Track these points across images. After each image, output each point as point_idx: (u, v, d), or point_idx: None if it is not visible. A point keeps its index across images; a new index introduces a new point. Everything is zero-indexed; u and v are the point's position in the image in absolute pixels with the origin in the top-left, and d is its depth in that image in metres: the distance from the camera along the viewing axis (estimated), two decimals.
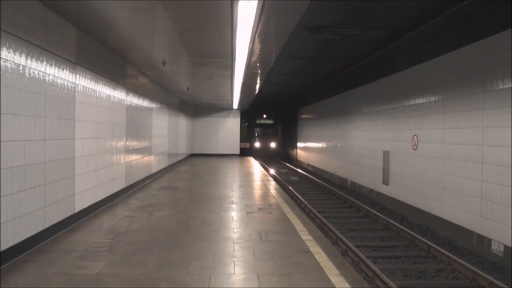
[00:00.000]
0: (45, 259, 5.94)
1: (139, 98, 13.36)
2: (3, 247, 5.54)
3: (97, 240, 7.01)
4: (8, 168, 5.59)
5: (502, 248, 8.08)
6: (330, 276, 5.40)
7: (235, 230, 7.85)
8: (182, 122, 24.80)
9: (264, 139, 41.18)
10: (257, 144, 40.79)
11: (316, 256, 6.24)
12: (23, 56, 5.99)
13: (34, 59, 6.30)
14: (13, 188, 5.73)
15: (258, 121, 42.10)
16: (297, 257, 6.21)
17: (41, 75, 6.55)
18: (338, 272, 5.55)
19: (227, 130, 31.44)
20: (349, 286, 5.07)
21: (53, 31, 6.96)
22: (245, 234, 7.51)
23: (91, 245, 6.70)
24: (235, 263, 5.91)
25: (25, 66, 6.05)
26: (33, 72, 6.29)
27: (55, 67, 7.04)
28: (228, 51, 10.20)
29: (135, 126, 12.80)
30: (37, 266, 5.66)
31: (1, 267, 5.49)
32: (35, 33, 6.35)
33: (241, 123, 32.69)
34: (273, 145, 41.20)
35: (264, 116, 42.26)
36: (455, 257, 8.21)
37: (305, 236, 7.44)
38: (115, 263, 5.81)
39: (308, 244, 6.89)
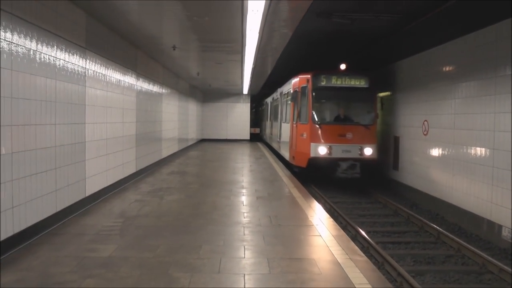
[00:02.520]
0: (57, 242, 6.00)
1: (149, 83, 13.36)
2: (16, 230, 5.60)
3: (108, 223, 7.06)
4: (20, 151, 5.63)
5: None
6: (339, 260, 5.40)
7: (245, 214, 7.87)
8: (192, 107, 24.80)
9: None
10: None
11: (325, 240, 6.25)
12: (34, 41, 6.00)
13: (44, 43, 6.31)
14: (25, 171, 5.77)
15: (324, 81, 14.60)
16: (307, 241, 6.22)
17: (52, 60, 6.56)
18: (348, 257, 5.55)
19: (237, 115, 31.43)
20: (358, 271, 5.08)
21: (62, 16, 6.95)
22: (255, 219, 7.53)
23: (102, 228, 6.75)
24: (245, 247, 5.94)
25: (36, 50, 6.05)
26: (44, 57, 6.30)
27: (65, 52, 7.04)
28: (238, 36, 10.14)
29: (145, 111, 12.82)
30: (49, 249, 5.72)
31: (14, 250, 5.55)
32: (45, 18, 6.35)
33: (251, 108, 32.57)
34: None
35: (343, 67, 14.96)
36: (465, 243, 8.19)
37: (315, 220, 7.45)
38: (126, 247, 5.85)
39: (318, 229, 6.90)
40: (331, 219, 7.64)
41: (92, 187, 8.37)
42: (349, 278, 4.83)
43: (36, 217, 6.14)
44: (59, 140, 6.82)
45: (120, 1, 7.35)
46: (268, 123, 28.65)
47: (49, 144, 6.47)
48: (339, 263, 5.32)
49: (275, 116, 23.31)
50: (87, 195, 8.11)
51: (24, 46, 5.75)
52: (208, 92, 29.89)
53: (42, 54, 6.24)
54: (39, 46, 6.15)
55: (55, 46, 6.68)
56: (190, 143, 24.21)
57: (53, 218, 6.71)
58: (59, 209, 6.90)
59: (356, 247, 6.04)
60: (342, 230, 6.93)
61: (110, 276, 4.77)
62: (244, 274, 4.93)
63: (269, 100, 28.44)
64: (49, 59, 6.46)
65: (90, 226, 6.90)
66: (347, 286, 4.63)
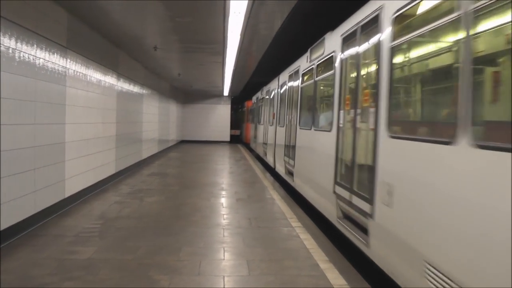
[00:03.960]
0: (36, 244, 5.95)
1: (130, 84, 13.30)
2: None
3: (88, 225, 7.02)
4: None
5: None
6: (319, 262, 5.46)
7: (225, 216, 7.89)
8: (173, 109, 24.72)
9: None
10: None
11: (305, 243, 6.31)
12: (13, 39, 5.95)
13: (24, 42, 6.26)
14: (3, 172, 5.71)
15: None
16: (286, 243, 6.27)
17: (32, 59, 6.51)
18: (327, 259, 5.62)
19: (218, 117, 31.41)
20: (337, 272, 5.14)
21: (43, 14, 6.90)
22: (234, 221, 7.56)
23: (82, 230, 6.71)
24: (225, 249, 5.96)
25: (15, 49, 6.00)
26: (23, 56, 6.24)
27: (45, 51, 6.99)
28: (220, 38, 10.17)
29: (125, 111, 12.76)
30: (28, 250, 5.67)
31: None
32: (26, 16, 6.30)
33: (231, 110, 32.58)
34: None
35: None
36: None
37: (295, 223, 7.50)
38: (106, 249, 5.83)
39: (297, 231, 6.95)
40: (312, 222, 7.70)
41: (72, 188, 8.31)
42: (328, 280, 4.89)
43: (14, 218, 6.08)
44: (38, 141, 6.76)
45: (102, 0, 7.32)
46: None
47: (28, 144, 6.42)
48: (318, 265, 5.38)
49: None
50: (66, 196, 8.05)
51: (3, 44, 5.69)
52: (189, 93, 29.81)
53: (22, 52, 6.19)
54: (19, 44, 6.10)
55: (35, 45, 6.63)
56: (170, 144, 24.12)
57: (33, 219, 6.66)
58: (38, 210, 6.84)
59: (337, 249, 6.10)
60: (322, 232, 6.99)
61: (90, 279, 4.75)
62: (224, 276, 4.95)
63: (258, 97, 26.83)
64: (29, 58, 6.40)
65: (70, 227, 6.85)
66: (326, 286, 4.69)
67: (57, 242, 6.05)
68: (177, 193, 10.13)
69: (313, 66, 8.80)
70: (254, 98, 24.40)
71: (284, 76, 13.22)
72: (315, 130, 8.35)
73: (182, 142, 29.97)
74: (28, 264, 5.17)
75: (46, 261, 5.26)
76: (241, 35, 9.76)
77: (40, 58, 6.78)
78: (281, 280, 4.85)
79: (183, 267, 5.19)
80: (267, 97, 17.34)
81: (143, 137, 15.75)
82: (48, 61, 7.11)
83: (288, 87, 12.27)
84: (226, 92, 27.36)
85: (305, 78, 9.83)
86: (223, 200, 9.39)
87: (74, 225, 7.01)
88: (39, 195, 6.85)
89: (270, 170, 15.56)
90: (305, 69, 9.69)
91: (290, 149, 11.21)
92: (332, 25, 7.68)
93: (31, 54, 6.47)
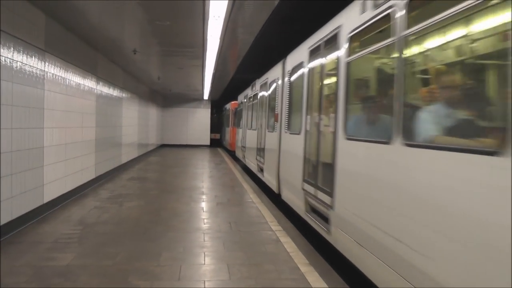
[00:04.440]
0: (12, 251, 5.85)
1: (109, 87, 13.19)
2: None
3: (67, 231, 6.93)
4: None
5: None
6: (299, 265, 5.48)
7: (205, 221, 7.86)
8: (152, 112, 24.59)
9: None
10: None
11: (286, 246, 6.32)
12: None
13: (0, 45, 6.16)
14: None
15: None
16: (267, 247, 6.27)
17: (8, 62, 6.41)
18: (307, 262, 5.63)
19: (198, 121, 31.33)
20: (317, 275, 5.16)
21: (20, 16, 6.81)
22: (215, 225, 7.54)
23: (60, 236, 6.62)
24: (205, 253, 5.94)
25: None
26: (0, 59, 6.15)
27: (22, 53, 6.90)
28: (200, 42, 10.15)
29: (105, 115, 12.64)
30: (3, 258, 5.56)
31: None
32: (2, 18, 6.20)
33: (211, 114, 32.53)
34: None
35: None
36: None
37: (275, 226, 7.51)
38: (84, 255, 5.76)
39: (277, 234, 6.96)
40: (292, 225, 7.72)
41: (50, 194, 8.19)
42: (309, 282, 4.91)
43: None
44: (15, 145, 6.66)
45: (80, 1, 7.25)
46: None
47: (4, 149, 6.31)
48: (298, 268, 5.39)
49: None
50: (45, 201, 7.94)
51: None
52: (168, 97, 29.68)
53: None
54: None
55: (12, 48, 6.53)
56: (150, 148, 23.97)
57: (9, 226, 6.54)
58: (15, 216, 6.73)
59: (317, 253, 6.13)
60: (303, 237, 7.01)
61: (68, 285, 4.69)
62: (205, 281, 4.93)
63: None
64: (5, 61, 6.31)
65: (48, 234, 6.75)
66: None
67: (34, 249, 5.96)
68: (157, 198, 10.06)
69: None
70: (241, 98, 19.39)
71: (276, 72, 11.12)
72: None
73: (162, 146, 29.81)
74: (4, 272, 5.07)
75: (23, 269, 5.17)
76: (220, 39, 9.76)
77: (17, 61, 6.68)
78: (261, 284, 4.85)
79: (163, 273, 5.15)
80: (263, 93, 13.05)
81: (122, 141, 15.62)
82: (26, 64, 7.01)
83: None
84: (206, 95, 27.30)
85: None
86: (203, 204, 9.36)
87: (52, 231, 6.91)
88: (16, 201, 6.74)
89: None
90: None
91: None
92: (309, 31, 7.73)
93: (7, 57, 6.37)
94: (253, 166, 14.53)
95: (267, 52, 16.69)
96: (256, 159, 13.47)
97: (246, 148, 16.59)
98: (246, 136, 16.75)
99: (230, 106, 27.15)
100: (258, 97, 13.64)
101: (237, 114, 21.64)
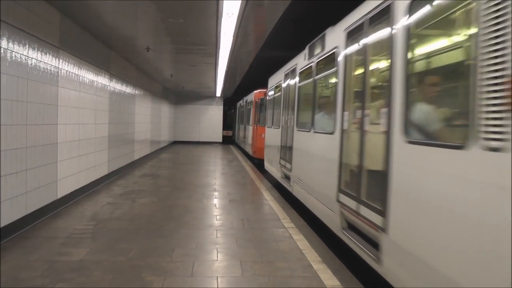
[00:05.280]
0: (27, 246, 5.90)
1: (122, 85, 13.25)
2: None
3: (80, 226, 6.98)
4: None
5: None
6: (312, 263, 5.46)
7: (217, 217, 7.87)
8: (165, 110, 24.67)
9: None
10: None
11: (298, 243, 6.31)
12: (4, 39, 5.90)
13: (16, 42, 6.21)
14: None
15: None
16: (279, 244, 6.26)
17: (23, 59, 6.46)
18: (320, 259, 5.62)
19: (210, 118, 31.41)
20: (331, 273, 5.14)
21: (36, 15, 6.86)
22: (227, 222, 7.54)
23: (73, 231, 6.67)
24: (218, 250, 5.95)
25: (6, 49, 5.96)
26: (15, 56, 6.20)
27: (37, 51, 6.95)
28: (213, 39, 10.16)
29: (118, 112, 12.71)
30: (18, 252, 5.62)
31: None
32: (18, 16, 6.25)
33: (224, 111, 32.55)
34: None
35: None
36: None
37: (288, 223, 7.50)
38: (97, 250, 5.79)
39: (290, 232, 6.95)
40: (305, 222, 7.70)
41: (63, 189, 8.26)
42: (322, 280, 4.89)
43: (5, 220, 6.03)
44: (30, 141, 6.71)
45: (95, 1, 7.29)
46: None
47: (20, 145, 6.37)
48: (311, 265, 5.38)
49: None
50: (58, 197, 8.00)
51: None
52: (181, 95, 29.77)
53: (14, 52, 6.15)
54: (10, 44, 6.06)
55: (27, 45, 6.58)
56: (162, 145, 24.06)
57: (23, 221, 6.60)
58: (29, 211, 6.79)
59: (330, 251, 6.10)
60: (315, 233, 6.99)
61: (82, 280, 4.71)
62: (217, 277, 4.94)
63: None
64: (20, 58, 6.36)
65: (62, 229, 6.80)
66: (320, 287, 4.69)
67: (48, 244, 6.01)
68: (170, 195, 10.09)
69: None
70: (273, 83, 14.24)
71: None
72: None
73: (174, 143, 29.91)
74: (18, 266, 5.12)
75: (37, 263, 5.21)
76: (233, 36, 9.75)
77: (32, 58, 6.74)
78: (274, 281, 4.84)
79: (176, 268, 5.17)
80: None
81: (135, 138, 15.69)
82: (41, 61, 7.06)
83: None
84: (218, 93, 27.33)
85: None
86: (215, 201, 9.37)
87: (66, 226, 6.96)
88: (30, 196, 6.80)
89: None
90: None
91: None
92: (322, 29, 7.68)
93: (23, 54, 6.42)
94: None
95: (281, 49, 16.68)
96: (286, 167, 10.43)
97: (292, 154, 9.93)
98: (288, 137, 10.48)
99: (252, 97, 21.11)
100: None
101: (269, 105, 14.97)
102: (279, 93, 12.17)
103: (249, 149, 21.49)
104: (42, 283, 4.59)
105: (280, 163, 11.31)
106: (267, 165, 14.00)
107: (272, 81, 13.72)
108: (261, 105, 18.54)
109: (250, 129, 21.46)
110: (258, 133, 18.23)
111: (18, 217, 6.44)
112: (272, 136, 12.85)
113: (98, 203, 8.83)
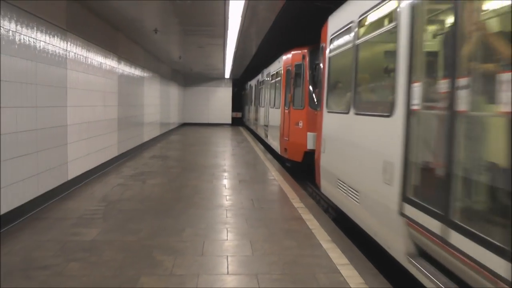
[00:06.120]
0: (39, 226, 5.97)
1: (130, 67, 13.24)
2: None
3: (91, 207, 7.04)
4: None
5: None
6: (321, 242, 5.48)
7: (227, 197, 7.91)
8: (174, 91, 24.66)
9: None
10: None
11: (308, 223, 6.33)
12: (13, 22, 5.90)
13: (24, 25, 6.21)
14: (5, 155, 5.71)
15: None
16: (289, 224, 6.29)
17: (32, 42, 6.47)
18: (330, 239, 5.64)
19: (219, 99, 31.39)
20: (340, 252, 5.16)
21: None
22: (237, 202, 7.57)
23: (84, 212, 6.73)
24: (228, 230, 5.98)
25: (15, 32, 5.96)
26: (23, 39, 6.20)
27: (45, 33, 6.94)
28: (221, 20, 10.09)
29: (126, 94, 12.72)
30: (31, 233, 5.69)
31: None
32: None
33: (233, 92, 32.45)
34: None
35: None
36: None
37: (297, 203, 7.52)
38: (109, 230, 5.85)
39: (300, 212, 6.97)
40: (314, 202, 7.71)
41: (74, 171, 8.32)
42: (331, 259, 4.91)
43: (17, 201, 6.10)
44: (40, 123, 6.75)
45: None
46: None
47: (30, 127, 6.41)
48: (320, 245, 5.40)
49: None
50: (69, 178, 8.06)
51: (3, 27, 5.65)
52: (189, 76, 29.72)
53: (22, 35, 6.15)
54: (19, 27, 6.06)
55: (35, 28, 6.58)
56: (171, 127, 24.11)
57: (35, 202, 6.67)
58: (41, 193, 6.86)
59: (339, 229, 6.12)
60: (324, 213, 7.01)
61: (94, 260, 4.77)
62: (227, 256, 4.98)
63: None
64: (29, 40, 6.36)
65: (73, 210, 6.87)
66: (330, 266, 4.71)
67: (60, 224, 6.07)
68: (179, 176, 10.14)
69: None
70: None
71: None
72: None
73: (184, 125, 29.96)
74: (31, 246, 5.19)
75: (49, 244, 5.28)
76: (242, 17, 9.68)
77: (40, 41, 6.74)
78: (284, 260, 4.87)
79: (187, 248, 5.21)
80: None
81: (144, 120, 15.73)
82: (49, 43, 7.06)
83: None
84: (227, 74, 27.26)
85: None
86: (225, 182, 9.40)
87: (77, 207, 7.03)
88: (42, 177, 6.86)
89: None
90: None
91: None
92: (331, 8, 7.50)
93: (31, 37, 6.42)
94: None
95: (289, 30, 16.55)
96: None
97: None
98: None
99: (280, 65, 14.10)
100: None
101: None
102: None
103: (275, 145, 14.67)
104: (55, 262, 4.65)
105: None
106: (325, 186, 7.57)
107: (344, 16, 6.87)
108: (300, 75, 12.15)
109: (275, 113, 14.78)
110: (292, 121, 12.13)
111: (30, 198, 6.50)
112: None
113: (108, 184, 8.90)
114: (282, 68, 13.68)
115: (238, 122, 34.41)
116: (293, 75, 12.28)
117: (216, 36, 12.58)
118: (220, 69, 23.81)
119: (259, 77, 21.27)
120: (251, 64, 23.57)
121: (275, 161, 12.92)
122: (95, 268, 4.54)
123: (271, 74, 16.60)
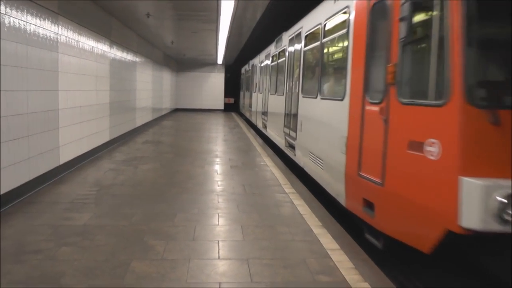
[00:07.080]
0: (31, 211, 5.97)
1: (123, 52, 13.16)
2: None
3: (83, 192, 7.04)
4: None
5: None
6: (312, 228, 5.53)
7: (219, 183, 7.93)
8: (166, 77, 24.56)
9: None
10: None
11: (299, 208, 6.37)
12: (2, 4, 5.84)
13: (14, 7, 6.15)
14: None
15: None
16: (280, 209, 6.32)
17: (22, 25, 6.41)
18: (321, 224, 5.68)
19: (211, 85, 31.32)
20: (331, 237, 5.21)
21: None
22: (229, 187, 7.60)
23: (76, 197, 6.73)
24: (220, 215, 6.01)
25: (5, 14, 5.90)
26: (13, 21, 6.14)
27: (36, 16, 6.88)
28: (214, 5, 10.03)
29: (119, 79, 12.66)
30: (23, 217, 5.69)
31: None
32: None
33: (225, 78, 32.35)
34: None
35: None
36: None
37: (288, 189, 7.56)
38: (101, 215, 5.86)
39: (291, 197, 7.01)
40: (305, 188, 7.76)
41: (66, 156, 8.30)
42: (322, 244, 4.96)
43: (8, 185, 6.08)
44: (31, 107, 6.71)
45: None
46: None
47: (21, 111, 6.37)
48: (311, 230, 5.44)
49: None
50: (61, 163, 8.05)
51: None
52: (182, 62, 29.58)
53: (12, 18, 6.09)
54: (8, 9, 6.00)
55: (26, 11, 6.52)
56: (164, 112, 24.05)
57: (27, 187, 6.66)
58: (32, 177, 6.84)
59: (330, 215, 6.17)
60: (316, 200, 7.05)
61: (86, 244, 4.79)
62: (219, 241, 5.01)
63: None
64: (19, 23, 6.30)
65: (65, 194, 6.87)
66: (320, 251, 4.75)
67: (51, 209, 6.08)
68: (172, 161, 10.14)
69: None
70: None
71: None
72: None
73: (176, 110, 29.88)
74: (23, 231, 5.19)
75: (41, 228, 5.28)
76: (235, 2, 9.63)
77: (31, 24, 6.67)
78: (275, 245, 4.90)
79: (178, 233, 5.24)
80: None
81: (136, 105, 15.68)
82: (40, 27, 7.00)
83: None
84: (220, 60, 27.15)
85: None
86: (217, 167, 9.42)
87: (69, 192, 7.02)
88: (33, 162, 6.84)
89: None
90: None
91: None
92: None
93: (21, 20, 6.36)
94: None
95: (282, 15, 16.49)
96: None
97: None
98: None
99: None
100: None
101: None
102: None
103: (328, 182, 7.00)
104: (47, 247, 4.66)
105: None
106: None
107: None
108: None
109: (327, 108, 7.29)
110: (399, 135, 4.51)
111: (21, 182, 6.49)
112: None
113: (100, 169, 8.89)
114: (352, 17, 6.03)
115: (230, 108, 34.28)
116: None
117: (209, 21, 12.51)
118: (213, 55, 23.72)
119: (271, 48, 14.64)
120: (244, 50, 23.51)
121: (267, 147, 12.95)
122: (87, 253, 4.55)
123: (312, 30, 8.61)
